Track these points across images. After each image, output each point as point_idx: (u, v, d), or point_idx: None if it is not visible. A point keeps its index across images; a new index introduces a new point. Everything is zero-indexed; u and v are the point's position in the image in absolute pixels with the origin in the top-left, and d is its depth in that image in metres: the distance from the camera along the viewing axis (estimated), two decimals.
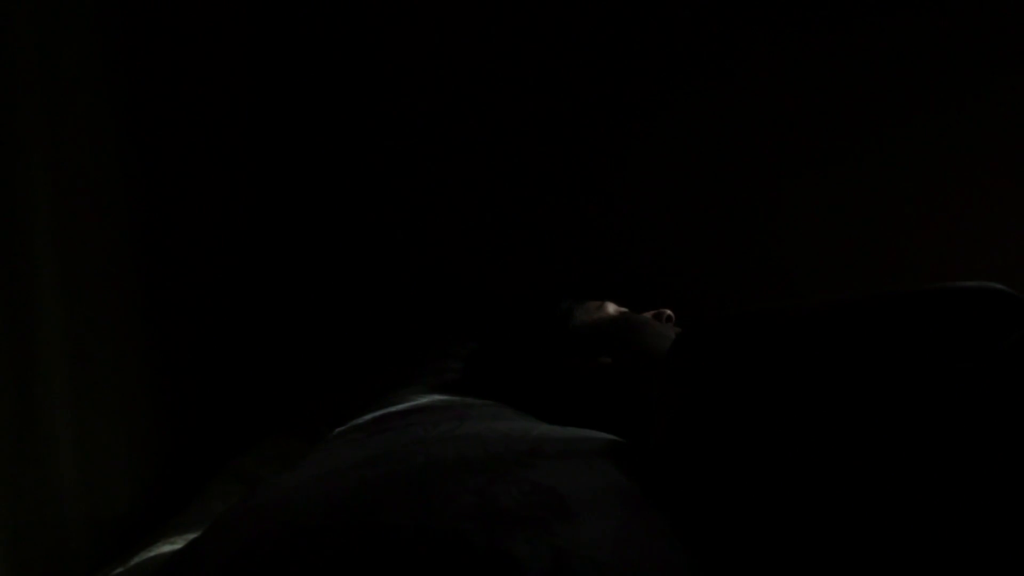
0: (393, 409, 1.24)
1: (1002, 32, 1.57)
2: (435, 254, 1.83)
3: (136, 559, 1.14)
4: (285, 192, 1.84)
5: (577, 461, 0.97)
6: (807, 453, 0.93)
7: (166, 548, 1.14)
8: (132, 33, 1.33)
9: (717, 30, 1.65)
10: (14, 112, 1.10)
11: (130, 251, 1.33)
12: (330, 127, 1.82)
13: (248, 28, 1.73)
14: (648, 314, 1.42)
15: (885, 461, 0.89)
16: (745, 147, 1.67)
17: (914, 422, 0.90)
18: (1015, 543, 0.81)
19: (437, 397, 1.32)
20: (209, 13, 1.58)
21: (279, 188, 1.83)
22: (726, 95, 1.67)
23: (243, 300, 1.69)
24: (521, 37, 1.72)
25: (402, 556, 0.82)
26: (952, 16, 1.57)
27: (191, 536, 1.08)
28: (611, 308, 1.43)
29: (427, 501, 0.86)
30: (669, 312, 1.43)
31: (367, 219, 1.85)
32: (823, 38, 1.62)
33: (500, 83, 1.74)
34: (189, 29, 1.51)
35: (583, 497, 0.88)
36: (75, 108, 1.22)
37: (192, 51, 1.52)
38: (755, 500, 0.96)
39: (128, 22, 1.32)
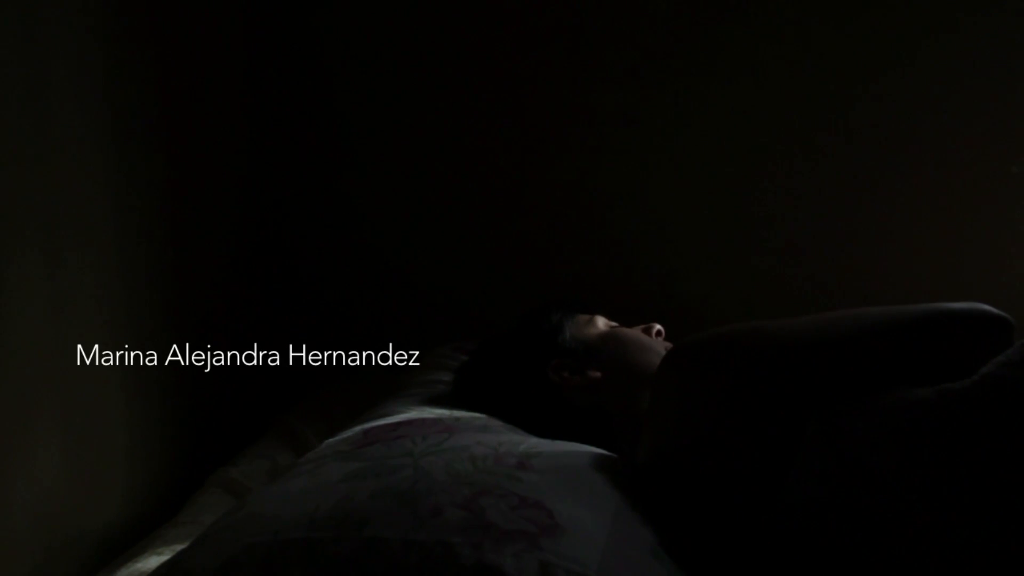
0: (382, 422, 1.24)
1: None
2: (426, 265, 1.83)
3: (123, 570, 1.13)
4: (276, 196, 1.84)
5: (565, 475, 0.97)
6: (788, 469, 0.94)
7: (153, 559, 1.13)
8: (119, 30, 1.34)
9: (712, 34, 1.66)
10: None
11: (119, 258, 1.33)
12: (329, 129, 1.82)
13: (242, 28, 1.73)
14: (638, 328, 1.43)
15: (867, 478, 0.90)
16: (738, 160, 1.67)
17: (897, 439, 0.90)
18: (1004, 553, 0.82)
19: (427, 410, 1.32)
20: (205, 13, 1.58)
21: (271, 192, 1.83)
22: (724, 105, 1.67)
23: (231, 307, 1.69)
24: (518, 39, 1.72)
25: (389, 569, 0.82)
26: None
27: (179, 547, 1.08)
28: (601, 322, 1.43)
29: (415, 514, 0.86)
30: (659, 327, 1.43)
31: (359, 228, 1.85)
32: (820, 41, 1.63)
33: (498, 92, 1.75)
34: (185, 29, 1.51)
35: (571, 511, 0.89)
36: (62, 114, 1.22)
37: (186, 50, 1.52)
38: (737, 515, 0.97)
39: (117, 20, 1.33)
